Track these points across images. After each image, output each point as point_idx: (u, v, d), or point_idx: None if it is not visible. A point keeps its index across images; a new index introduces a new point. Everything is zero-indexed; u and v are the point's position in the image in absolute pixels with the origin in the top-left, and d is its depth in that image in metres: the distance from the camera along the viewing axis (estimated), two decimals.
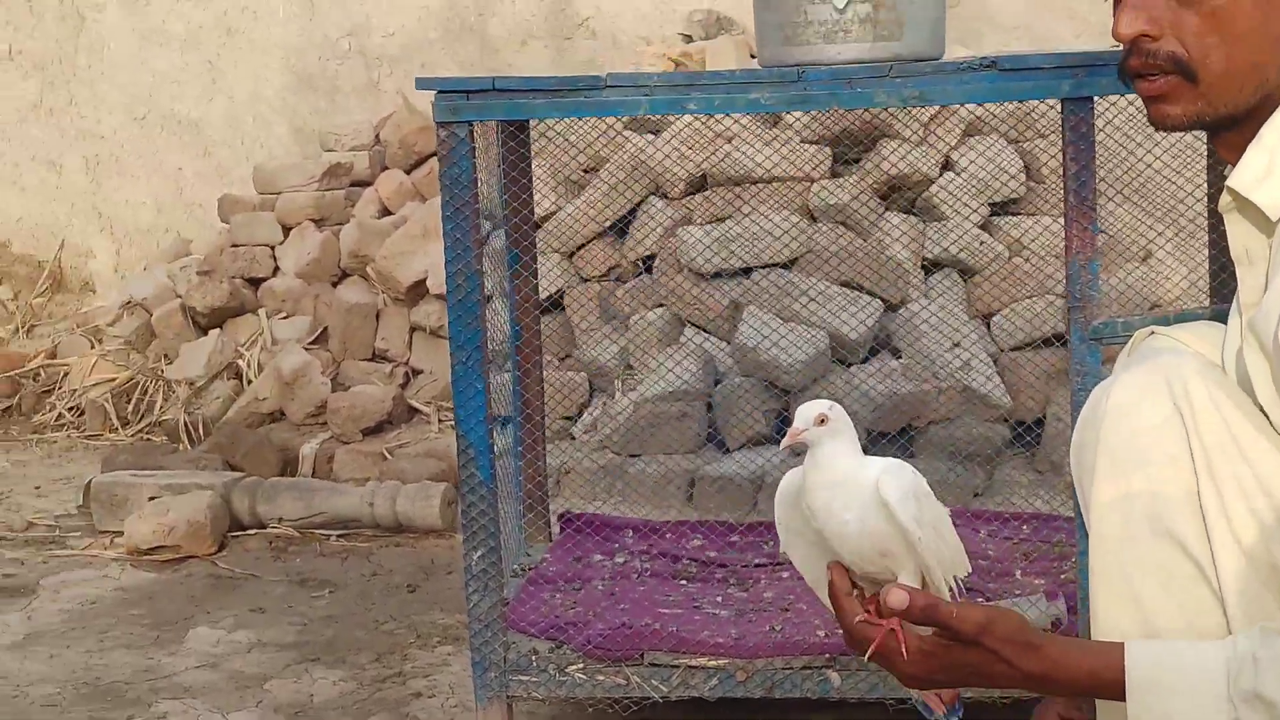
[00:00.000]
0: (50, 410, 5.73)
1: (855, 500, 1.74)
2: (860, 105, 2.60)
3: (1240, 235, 1.86)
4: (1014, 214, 4.94)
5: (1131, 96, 2.34)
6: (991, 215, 4.92)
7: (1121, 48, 1.86)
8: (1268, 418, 1.75)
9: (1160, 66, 1.81)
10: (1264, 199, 1.79)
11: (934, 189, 4.87)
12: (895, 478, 1.76)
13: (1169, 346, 1.99)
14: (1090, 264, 2.53)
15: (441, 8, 6.65)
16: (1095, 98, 2.52)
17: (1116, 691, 1.66)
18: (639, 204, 5.08)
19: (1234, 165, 1.84)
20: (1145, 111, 1.90)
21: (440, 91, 2.61)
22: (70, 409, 5.70)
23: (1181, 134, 1.90)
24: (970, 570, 1.86)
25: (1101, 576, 1.82)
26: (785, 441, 1.82)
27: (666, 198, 5.07)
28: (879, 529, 1.73)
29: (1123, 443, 1.77)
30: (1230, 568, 1.70)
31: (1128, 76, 1.88)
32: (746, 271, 4.78)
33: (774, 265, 4.75)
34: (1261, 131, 1.80)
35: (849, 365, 4.56)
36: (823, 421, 1.77)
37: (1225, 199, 1.85)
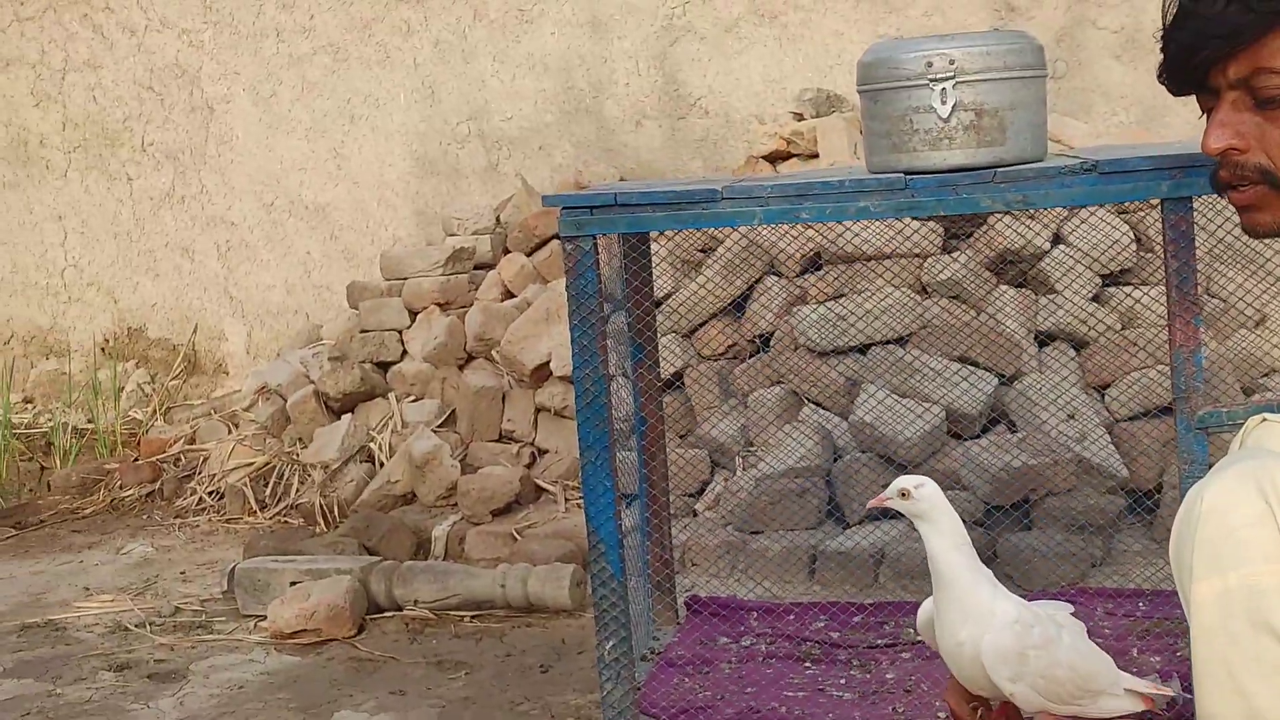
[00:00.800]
0: (191, 495, 5.96)
1: (967, 627, 1.85)
2: (966, 210, 2.71)
3: None
4: (1125, 284, 5.01)
5: None
6: (1103, 286, 5.00)
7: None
8: None
9: (1249, 178, 1.92)
10: None
11: (1045, 261, 4.96)
12: (995, 642, 1.85)
13: (1260, 445, 2.09)
14: (1195, 356, 2.62)
15: (558, 91, 6.82)
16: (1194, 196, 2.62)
17: None
18: (755, 283, 5.20)
19: None
20: (1239, 221, 2.01)
21: (565, 208, 2.75)
22: (210, 493, 5.92)
23: None
24: (1104, 686, 1.93)
25: (1205, 669, 1.92)
26: (870, 503, 1.94)
27: (782, 276, 5.19)
28: (982, 675, 1.83)
29: (1218, 541, 1.87)
30: None
31: (1219, 187, 1.99)
32: (863, 349, 4.89)
33: (889, 341, 4.86)
34: None
35: (965, 439, 4.64)
36: (904, 495, 1.89)
37: None
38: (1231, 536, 1.87)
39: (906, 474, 4.49)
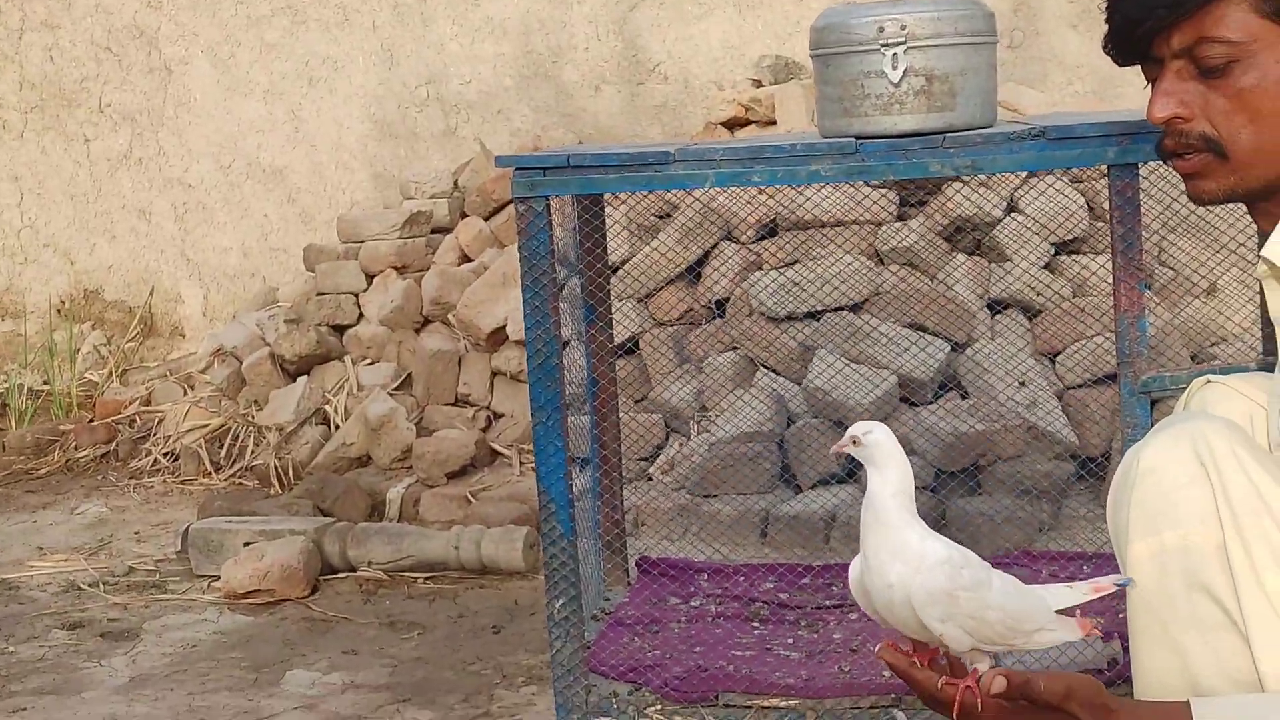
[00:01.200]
0: (146, 456, 5.96)
1: (896, 567, 1.87)
2: (915, 175, 2.74)
3: (1277, 299, 2.00)
4: (1077, 253, 5.05)
5: None
6: (1055, 254, 5.04)
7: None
8: None
9: (1193, 146, 1.95)
10: None
11: (998, 230, 5.00)
12: (926, 582, 1.87)
13: (1199, 407, 2.13)
14: (1139, 321, 2.65)
15: (517, 55, 6.82)
16: (1140, 163, 2.65)
17: None
18: (711, 249, 5.22)
19: (1268, 234, 1.97)
20: (1185, 190, 2.04)
21: (518, 169, 2.77)
22: (165, 454, 5.91)
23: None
24: (1038, 624, 1.95)
25: (1141, 627, 1.95)
26: (832, 449, 1.98)
27: (738, 242, 5.21)
28: (913, 617, 1.86)
29: (1154, 502, 1.91)
30: (1256, 614, 1.84)
31: (1165, 155, 2.02)
32: (816, 315, 4.92)
33: (843, 308, 4.89)
34: None
35: (916, 405, 4.68)
36: (855, 442, 1.92)
37: (1262, 267, 1.99)
38: (1167, 498, 1.91)
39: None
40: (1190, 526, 1.88)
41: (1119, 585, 1.97)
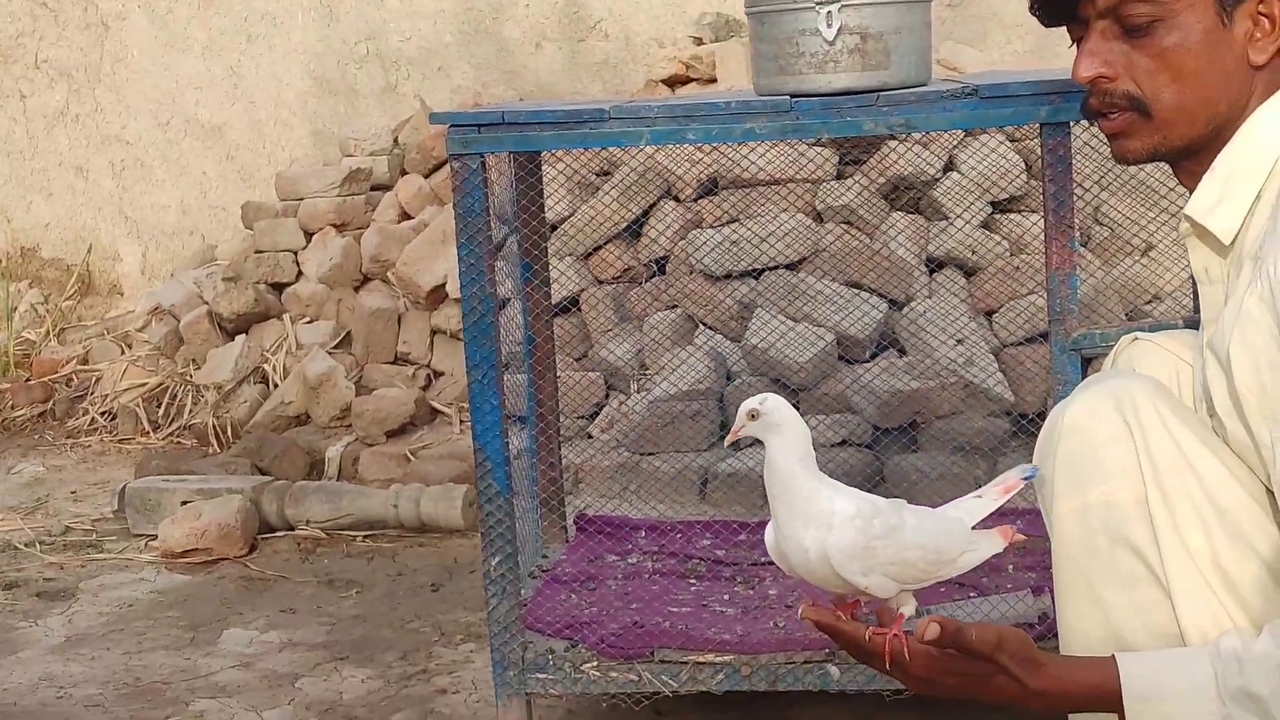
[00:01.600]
0: (84, 415, 5.92)
1: (810, 531, 1.87)
2: (850, 133, 2.74)
3: (1200, 257, 2.02)
4: (1014, 211, 5.07)
5: None
6: (993, 213, 5.06)
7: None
8: (1225, 428, 1.90)
9: (1118, 105, 1.96)
10: (1217, 225, 1.95)
11: (937, 188, 5.02)
12: (839, 540, 1.87)
13: (1127, 365, 2.15)
14: (1069, 279, 2.67)
15: (457, 12, 6.78)
16: (1072, 122, 2.66)
17: (1114, 702, 1.80)
18: (651, 207, 5.22)
19: (1192, 193, 1.99)
20: (1109, 149, 2.05)
21: (453, 125, 2.76)
22: (103, 413, 5.88)
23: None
24: (959, 551, 1.95)
25: (1066, 582, 1.98)
26: (727, 440, 1.97)
27: (678, 200, 5.21)
28: (835, 576, 1.87)
29: (1078, 458, 1.93)
30: (1177, 568, 1.86)
31: (1090, 114, 2.03)
32: (756, 273, 4.93)
33: (782, 266, 4.90)
34: (1215, 163, 1.95)
35: (854, 363, 4.70)
36: (753, 416, 1.91)
37: (1184, 225, 2.01)
38: (1091, 455, 1.92)
39: (804, 398, 4.57)
40: (1113, 483, 1.90)
41: (1026, 479, 1.98)
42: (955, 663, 1.83)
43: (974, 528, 1.97)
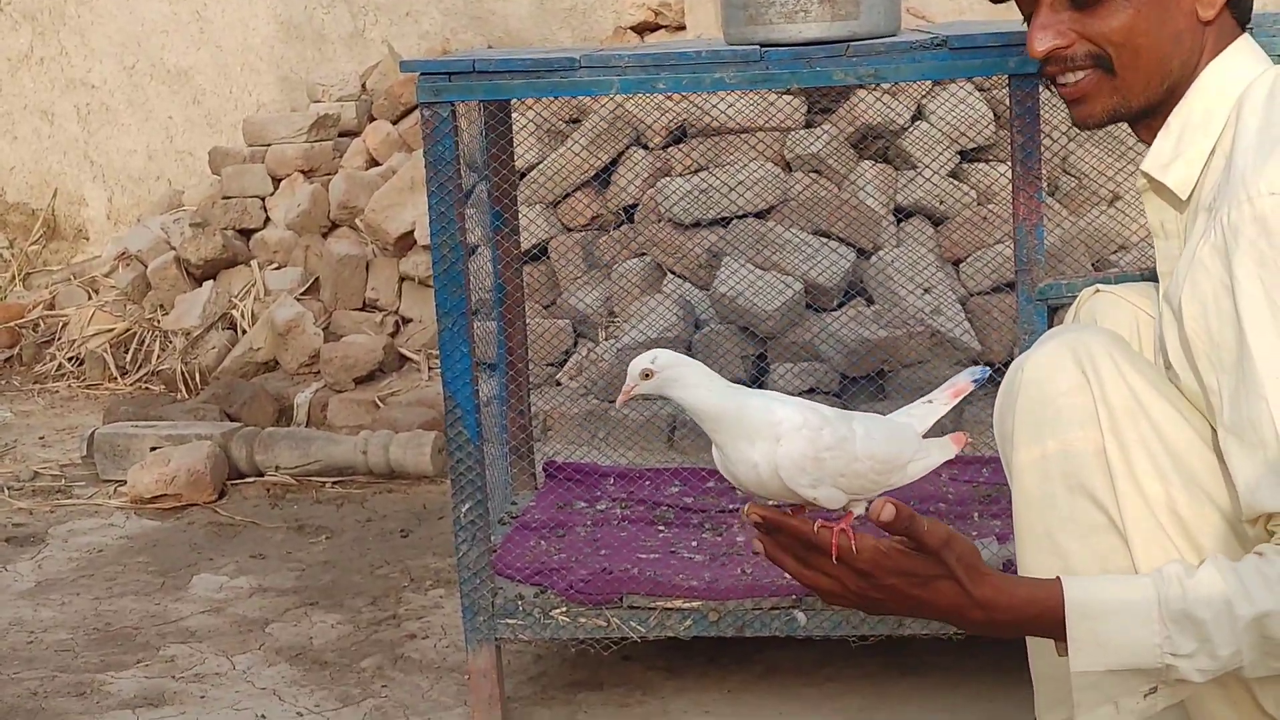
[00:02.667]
0: (51, 361, 5.90)
1: (756, 446, 1.84)
2: (820, 83, 2.75)
3: (1156, 212, 2.05)
4: (983, 161, 5.09)
5: None
6: (961, 163, 5.08)
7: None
8: (1179, 378, 1.93)
9: (1080, 65, 1.98)
10: (1173, 180, 1.98)
11: (905, 138, 5.03)
12: (788, 451, 1.83)
13: (1089, 317, 2.18)
14: (1036, 230, 2.69)
15: None
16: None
17: (1055, 619, 1.80)
18: (620, 155, 5.22)
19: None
20: (1069, 114, 2.07)
21: (423, 73, 2.76)
22: (70, 359, 5.86)
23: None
24: (909, 458, 1.93)
25: (1025, 531, 2.00)
26: (619, 401, 1.92)
27: (647, 148, 5.21)
28: (783, 488, 1.84)
29: (1037, 409, 1.95)
30: (1134, 516, 1.89)
31: (1050, 80, 2.05)
32: (724, 221, 4.94)
33: (750, 214, 4.91)
34: (1169, 119, 1.98)
35: (822, 312, 4.72)
36: (647, 375, 1.87)
37: (1141, 181, 2.04)
38: (1050, 405, 1.95)
39: (771, 346, 4.59)
40: (1071, 433, 1.92)
41: (975, 380, 1.98)
42: (902, 560, 1.81)
43: (925, 435, 1.95)
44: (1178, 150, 1.97)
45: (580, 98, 5.10)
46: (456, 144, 2.78)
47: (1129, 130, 2.08)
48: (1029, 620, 1.84)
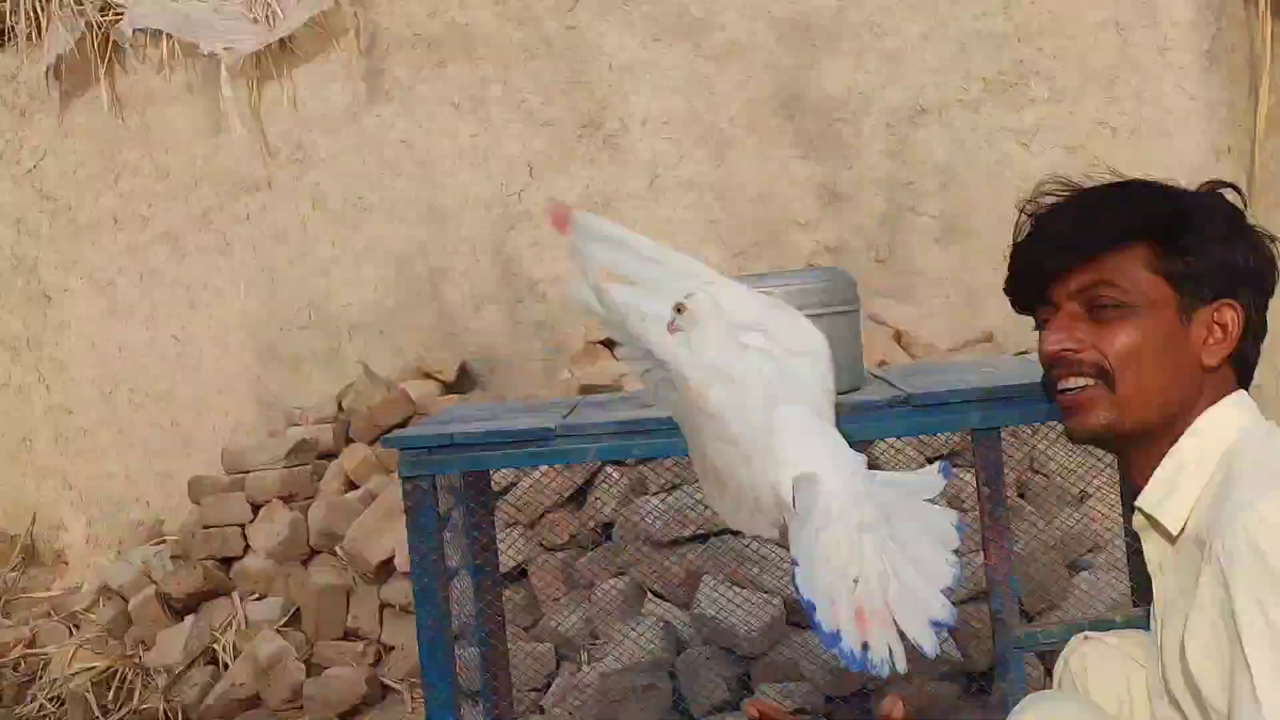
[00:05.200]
0: (33, 702, 5.86)
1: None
2: None
3: (1154, 550, 2.13)
4: (958, 466, 5.15)
5: None
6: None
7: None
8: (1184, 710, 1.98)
9: (1085, 372, 2.09)
10: (1167, 516, 2.07)
11: (875, 444, 5.09)
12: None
13: (1080, 666, 2.23)
14: (1009, 579, 2.75)
15: (397, 279, 6.90)
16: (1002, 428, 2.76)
17: None
18: (595, 472, 5.28)
19: (1139, 487, 2.11)
20: (1064, 428, 2.16)
21: (404, 449, 2.83)
22: (51, 699, 5.82)
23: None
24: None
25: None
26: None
27: (620, 464, 5.27)
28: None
29: None
30: None
31: (1052, 390, 2.15)
32: (702, 538, 4.98)
33: (728, 531, 4.96)
34: (1165, 459, 2.08)
35: (805, 629, 4.73)
36: (680, 310, 1.92)
37: (1138, 518, 2.12)
38: None
39: (754, 667, 4.59)
40: None
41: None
42: None
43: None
44: (1170, 489, 2.06)
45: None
46: (438, 515, 2.84)
47: None
48: None
